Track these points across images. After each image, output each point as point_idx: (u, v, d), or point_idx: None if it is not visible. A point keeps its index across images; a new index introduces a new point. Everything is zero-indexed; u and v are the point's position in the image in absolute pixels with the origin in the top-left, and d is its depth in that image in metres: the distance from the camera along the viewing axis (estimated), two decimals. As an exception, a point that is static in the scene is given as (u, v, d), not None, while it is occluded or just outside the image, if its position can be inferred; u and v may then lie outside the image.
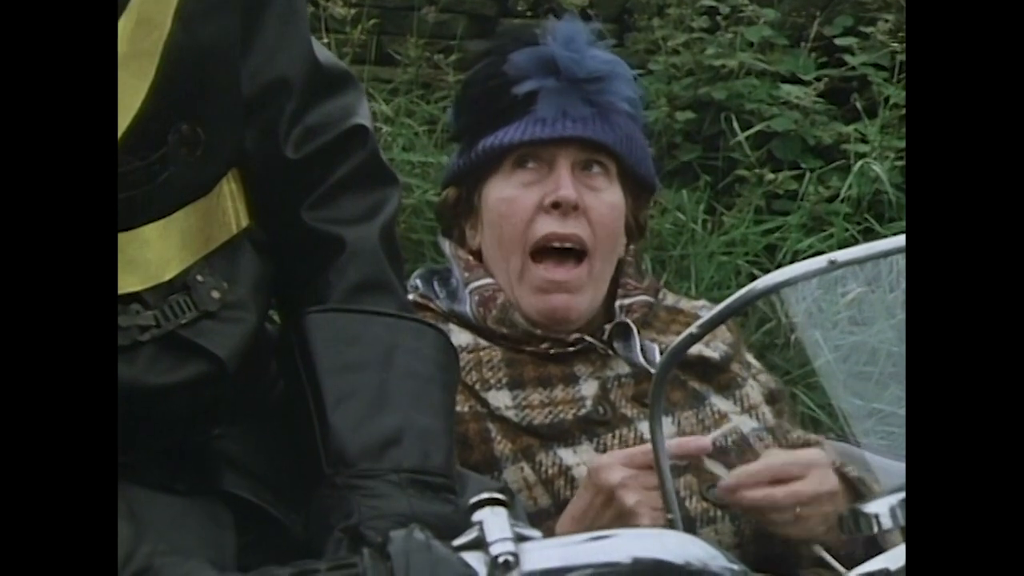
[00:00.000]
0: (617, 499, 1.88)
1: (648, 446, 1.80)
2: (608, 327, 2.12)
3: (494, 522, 1.24)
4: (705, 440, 1.96)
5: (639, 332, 2.11)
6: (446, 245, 2.20)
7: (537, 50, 2.11)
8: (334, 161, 1.64)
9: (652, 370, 2.01)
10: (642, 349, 2.10)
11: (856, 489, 2.00)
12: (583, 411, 2.05)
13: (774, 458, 1.98)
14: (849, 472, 2.02)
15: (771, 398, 2.18)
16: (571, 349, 2.10)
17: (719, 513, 2.00)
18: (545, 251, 2.10)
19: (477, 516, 1.25)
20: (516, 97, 2.10)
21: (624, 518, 1.87)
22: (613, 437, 2.04)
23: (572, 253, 2.10)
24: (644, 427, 2.04)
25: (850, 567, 1.38)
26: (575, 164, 2.11)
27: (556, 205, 2.08)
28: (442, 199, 2.22)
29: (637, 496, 1.88)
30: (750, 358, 2.24)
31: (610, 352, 2.11)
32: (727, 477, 1.94)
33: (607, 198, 2.12)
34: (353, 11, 4.65)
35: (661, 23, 4.70)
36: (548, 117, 2.09)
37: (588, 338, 2.10)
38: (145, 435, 1.50)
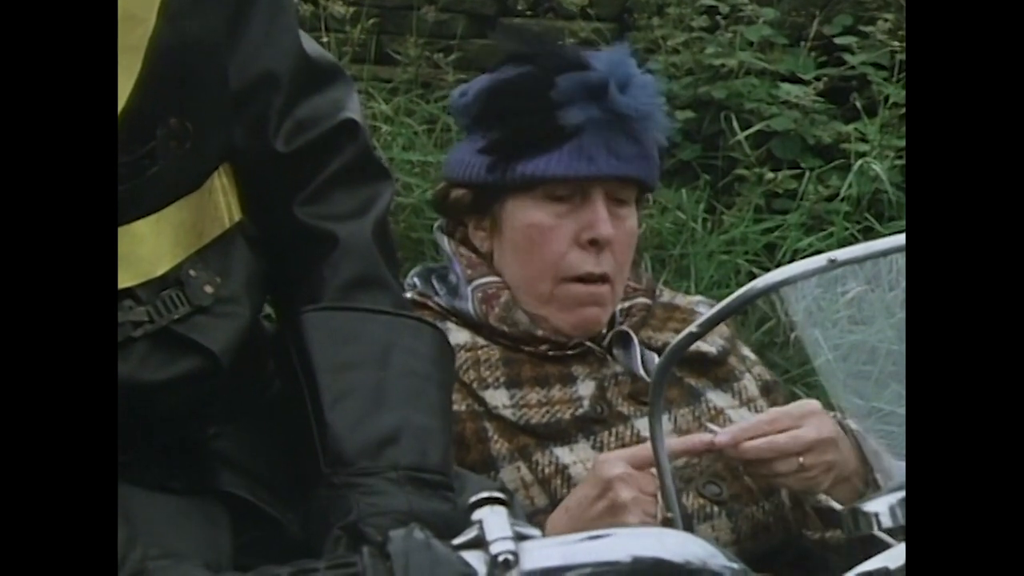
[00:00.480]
0: (612, 491, 1.88)
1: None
2: (608, 334, 2.13)
3: (494, 521, 1.24)
4: (706, 436, 1.96)
5: (637, 332, 2.12)
6: (444, 241, 2.19)
7: (585, 77, 2.08)
8: (325, 156, 1.63)
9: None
10: (642, 359, 2.11)
11: (856, 442, 2.00)
12: (580, 411, 2.05)
13: (769, 412, 2.00)
14: (850, 425, 2.02)
15: (765, 389, 2.18)
16: (570, 352, 2.10)
17: (715, 509, 2.00)
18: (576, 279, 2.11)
19: (477, 515, 1.25)
20: (562, 128, 2.07)
21: (615, 512, 1.86)
22: (610, 435, 2.04)
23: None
24: (640, 424, 2.04)
25: (850, 566, 1.37)
26: (607, 196, 2.10)
27: (593, 242, 2.08)
28: (455, 198, 2.16)
29: (632, 493, 1.87)
30: (746, 351, 2.24)
31: (609, 358, 2.11)
32: (722, 433, 1.94)
33: (628, 226, 2.13)
34: (353, 10, 4.65)
35: (661, 22, 4.70)
36: (593, 153, 2.07)
37: (588, 343, 2.11)
38: (140, 433, 1.49)
